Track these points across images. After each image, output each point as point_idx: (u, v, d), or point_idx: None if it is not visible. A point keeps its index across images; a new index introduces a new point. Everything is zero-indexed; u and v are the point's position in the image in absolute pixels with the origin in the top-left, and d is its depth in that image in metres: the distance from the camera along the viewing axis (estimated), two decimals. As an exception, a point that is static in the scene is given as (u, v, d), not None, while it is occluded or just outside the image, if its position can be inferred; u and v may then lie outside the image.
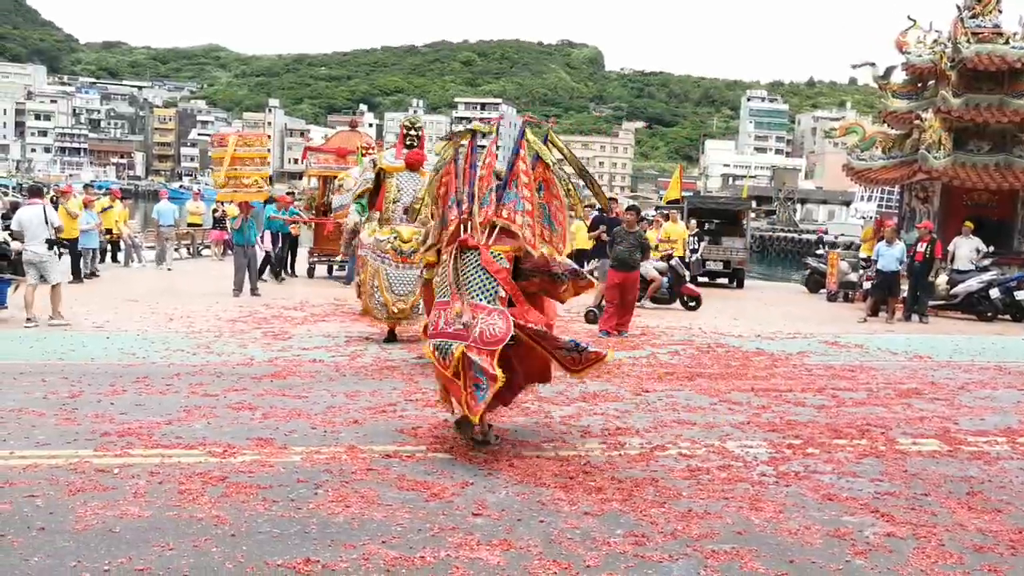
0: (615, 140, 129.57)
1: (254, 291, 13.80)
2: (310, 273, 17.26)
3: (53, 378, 7.07)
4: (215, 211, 21.41)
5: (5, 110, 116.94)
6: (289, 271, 17.19)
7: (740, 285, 19.80)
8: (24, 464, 4.86)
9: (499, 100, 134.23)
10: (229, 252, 21.10)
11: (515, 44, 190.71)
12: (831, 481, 5.05)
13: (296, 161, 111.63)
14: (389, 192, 9.55)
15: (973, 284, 14.80)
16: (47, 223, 10.21)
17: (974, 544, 4.13)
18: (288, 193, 21.42)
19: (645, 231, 12.84)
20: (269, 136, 19.26)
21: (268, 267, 16.39)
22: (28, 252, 10.16)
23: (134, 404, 6.32)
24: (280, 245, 16.74)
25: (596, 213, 15.47)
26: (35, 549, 3.72)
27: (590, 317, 11.96)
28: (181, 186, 73.45)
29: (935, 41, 17.81)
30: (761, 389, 7.70)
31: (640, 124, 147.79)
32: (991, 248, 15.88)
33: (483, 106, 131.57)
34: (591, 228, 15.30)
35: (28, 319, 9.99)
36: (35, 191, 11.54)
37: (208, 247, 22.10)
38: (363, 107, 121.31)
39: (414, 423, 6.02)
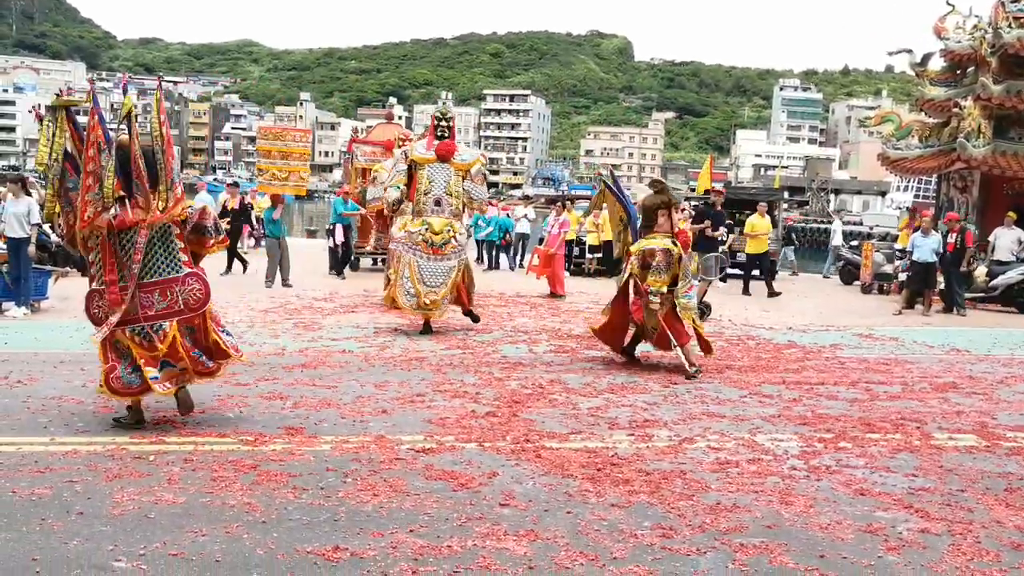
0: (645, 131, 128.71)
1: (285, 282, 13.93)
2: (354, 266, 17.25)
3: (92, 367, 7.13)
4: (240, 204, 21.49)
5: (46, 106, 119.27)
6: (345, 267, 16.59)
7: (772, 277, 19.57)
8: (64, 450, 4.97)
9: (528, 92, 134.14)
10: (255, 244, 21.29)
11: (544, 35, 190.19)
12: (864, 476, 4.97)
13: (327, 154, 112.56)
14: (420, 184, 9.57)
15: (1013, 276, 14.45)
16: None
17: (1012, 542, 4.04)
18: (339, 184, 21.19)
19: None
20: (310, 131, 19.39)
21: (346, 261, 16.15)
22: None
23: (169, 393, 6.42)
24: (343, 240, 16.20)
25: (700, 205, 13.93)
26: (74, 533, 3.81)
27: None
28: (215, 179, 74.34)
29: (975, 26, 17.38)
30: (792, 382, 7.61)
31: (670, 114, 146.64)
32: (1032, 239, 15.49)
33: (512, 98, 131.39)
34: (696, 221, 14.21)
35: None
36: None
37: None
38: (393, 100, 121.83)
39: (442, 413, 6.04)
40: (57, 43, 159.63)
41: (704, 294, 11.58)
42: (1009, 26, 15.96)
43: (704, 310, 11.49)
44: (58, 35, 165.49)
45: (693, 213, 20.26)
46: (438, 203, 9.55)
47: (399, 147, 12.54)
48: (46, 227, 12.91)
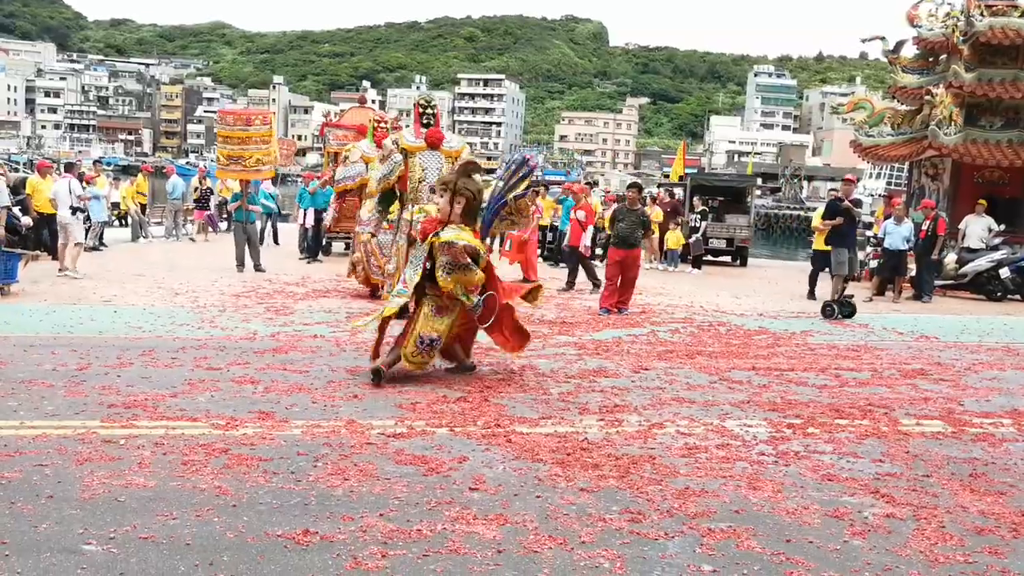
0: (619, 116, 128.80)
1: (257, 267, 13.82)
2: (326, 251, 17.14)
3: (62, 351, 7.11)
4: (195, 189, 21.19)
5: (16, 87, 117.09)
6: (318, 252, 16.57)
7: (744, 263, 19.73)
8: (34, 434, 4.90)
9: (502, 76, 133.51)
10: (211, 230, 21.04)
11: (518, 19, 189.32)
12: (831, 461, 5.02)
13: (300, 138, 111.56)
14: (414, 172, 9.50)
15: (982, 263, 14.65)
16: (71, 193, 12.54)
17: (975, 526, 4.09)
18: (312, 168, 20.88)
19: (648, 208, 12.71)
20: (274, 113, 19.04)
21: (317, 246, 16.16)
22: (59, 215, 12.53)
23: (140, 377, 6.35)
24: (313, 224, 16.24)
25: (832, 201, 12.20)
26: (44, 516, 3.77)
27: (827, 312, 11.14)
28: (188, 162, 73.43)
29: (947, 14, 17.55)
30: (762, 368, 7.68)
31: (644, 100, 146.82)
32: (1002, 226, 15.70)
33: (486, 82, 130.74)
34: (828, 216, 12.09)
35: (63, 270, 12.18)
36: (68, 167, 14.08)
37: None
38: (366, 83, 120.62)
39: (413, 398, 6.03)
40: (26, 23, 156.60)
41: (842, 291, 11.35)
42: (981, 14, 16.12)
43: (835, 308, 11.16)
44: (28, 15, 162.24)
45: (667, 198, 20.33)
46: (433, 191, 9.52)
47: (375, 129, 12.39)
48: (16, 210, 12.77)
